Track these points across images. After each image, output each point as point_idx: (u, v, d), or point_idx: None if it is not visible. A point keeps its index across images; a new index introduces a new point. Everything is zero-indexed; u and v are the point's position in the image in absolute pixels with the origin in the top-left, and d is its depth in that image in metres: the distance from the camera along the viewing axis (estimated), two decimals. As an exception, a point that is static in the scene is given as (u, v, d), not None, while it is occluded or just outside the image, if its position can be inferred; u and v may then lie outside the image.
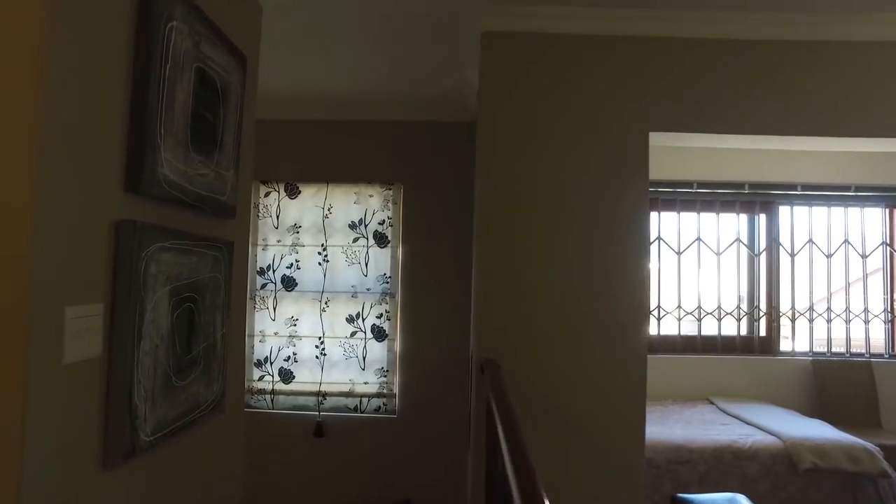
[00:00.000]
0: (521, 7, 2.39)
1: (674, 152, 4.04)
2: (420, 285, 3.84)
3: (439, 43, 2.74)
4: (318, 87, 3.50)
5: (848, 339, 4.29)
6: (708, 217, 4.32)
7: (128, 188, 1.32)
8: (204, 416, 1.70)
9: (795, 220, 4.35)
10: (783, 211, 4.36)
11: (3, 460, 1.01)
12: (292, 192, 3.95)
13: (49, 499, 1.09)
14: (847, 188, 4.29)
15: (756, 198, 4.30)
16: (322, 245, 3.91)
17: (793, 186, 4.26)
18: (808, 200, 4.32)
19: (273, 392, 3.89)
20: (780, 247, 4.33)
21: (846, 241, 4.31)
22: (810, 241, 4.31)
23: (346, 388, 3.87)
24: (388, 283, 3.88)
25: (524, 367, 2.36)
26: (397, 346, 3.86)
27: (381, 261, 3.89)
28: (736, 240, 4.31)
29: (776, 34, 2.41)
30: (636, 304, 2.39)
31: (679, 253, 4.30)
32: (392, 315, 3.88)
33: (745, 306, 4.33)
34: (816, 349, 4.30)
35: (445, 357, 3.79)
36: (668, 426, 3.29)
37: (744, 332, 4.32)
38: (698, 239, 4.31)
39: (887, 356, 4.29)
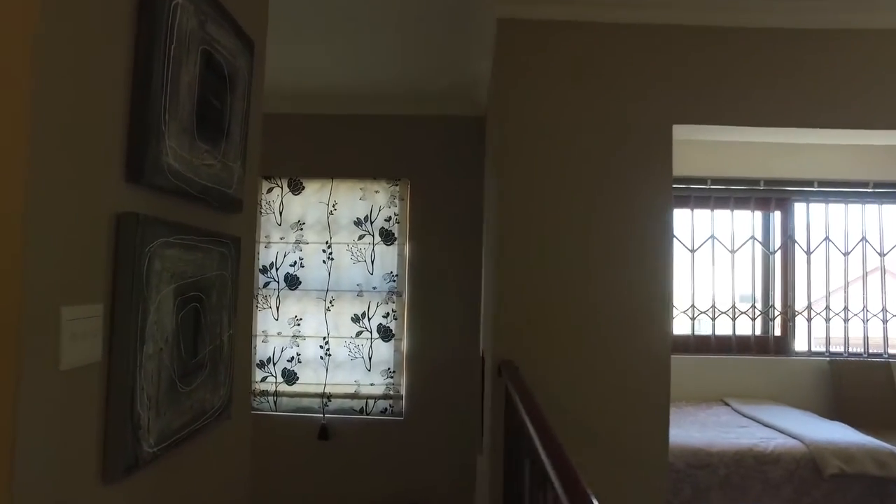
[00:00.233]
0: (539, -8, 2.29)
1: (687, 148, 3.92)
2: (428, 284, 3.74)
3: (450, 31, 2.63)
4: (323, 80, 3.40)
5: (866, 339, 4.19)
6: (722, 214, 4.22)
7: (130, 178, 1.21)
8: (210, 423, 1.59)
9: (811, 216, 4.24)
10: (799, 208, 4.25)
11: (-9, 479, 0.91)
12: (296, 188, 3.84)
13: (43, 520, 0.99)
14: (865, 184, 4.18)
15: (771, 194, 4.20)
16: (326, 242, 3.81)
17: (809, 182, 4.16)
18: (825, 197, 4.22)
19: (276, 394, 3.79)
20: (796, 244, 4.22)
21: (863, 239, 4.21)
22: (827, 238, 4.21)
23: (351, 390, 3.77)
24: (394, 281, 3.78)
25: (542, 368, 2.26)
26: (404, 346, 3.76)
27: (388, 258, 3.79)
28: (751, 237, 4.21)
29: (803, 23, 2.32)
30: (659, 302, 2.30)
31: (693, 251, 4.20)
32: (399, 314, 3.78)
33: (759, 305, 4.23)
34: (833, 349, 4.20)
35: (454, 357, 3.69)
36: (685, 428, 3.19)
37: (759, 331, 4.23)
38: (712, 237, 4.21)
39: (906, 356, 4.19)
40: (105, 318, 1.14)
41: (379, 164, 3.79)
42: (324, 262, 3.81)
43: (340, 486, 3.69)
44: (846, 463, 2.77)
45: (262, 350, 3.81)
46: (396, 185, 3.81)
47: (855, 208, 4.27)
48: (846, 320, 4.20)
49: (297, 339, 3.80)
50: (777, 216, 4.28)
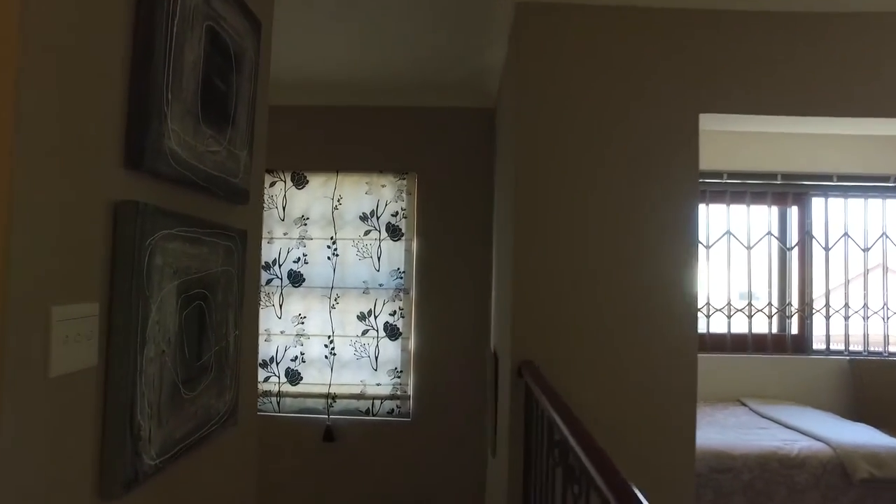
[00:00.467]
0: (560, -27, 2.17)
1: (703, 141, 3.80)
2: (436, 281, 3.63)
3: (463, 16, 2.50)
4: (328, 70, 3.27)
5: (886, 337, 4.08)
6: (738, 209, 4.10)
7: (128, 163, 1.10)
8: (215, 430, 1.48)
9: (830, 212, 4.13)
10: (816, 202, 4.14)
11: (-29, 503, 0.80)
12: (299, 182, 3.73)
13: (32, 546, 0.87)
14: (885, 178, 4.07)
15: (789, 189, 4.08)
16: (331, 238, 3.70)
17: (828, 177, 4.04)
18: (844, 191, 4.10)
19: (279, 394, 3.68)
20: (814, 240, 4.11)
21: (884, 234, 4.10)
22: (846, 234, 4.10)
23: (357, 390, 3.66)
24: (401, 278, 3.67)
25: (562, 369, 2.15)
26: (412, 345, 3.65)
27: (395, 255, 3.68)
28: (767, 233, 4.10)
29: (837, 6, 2.20)
30: (685, 300, 2.19)
31: (708, 247, 4.09)
32: (406, 312, 3.66)
33: (776, 303, 4.11)
34: (852, 347, 4.09)
35: (464, 357, 3.59)
36: (703, 430, 3.07)
37: (775, 329, 4.11)
38: (728, 232, 4.10)
39: (930, 355, 4.08)
40: (101, 318, 1.03)
41: (385, 157, 3.68)
42: (328, 258, 3.70)
43: (346, 489, 3.58)
44: (877, 468, 2.66)
45: (264, 349, 3.70)
46: (403, 178, 3.70)
47: (875, 203, 4.15)
48: (865, 318, 4.09)
49: (301, 338, 3.69)
50: (794, 211, 4.16)
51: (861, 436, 2.93)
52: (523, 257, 2.20)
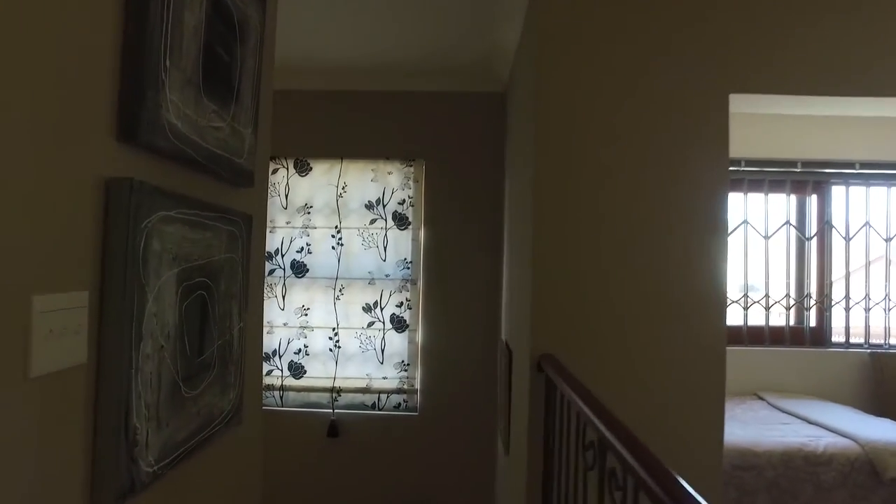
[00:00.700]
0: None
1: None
2: (444, 271, 3.51)
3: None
4: (332, 52, 3.14)
5: (906, 330, 3.97)
6: (756, 198, 3.97)
7: (122, 136, 0.98)
8: (219, 430, 1.36)
9: (851, 200, 3.99)
10: (837, 191, 4.01)
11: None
12: (302, 169, 3.60)
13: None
14: (910, 166, 3.93)
15: (808, 177, 3.95)
16: (336, 227, 3.57)
17: (850, 164, 3.91)
18: (866, 179, 3.97)
19: (282, 388, 3.57)
20: (834, 230, 3.98)
21: (907, 224, 3.98)
22: (867, 224, 3.97)
23: (362, 384, 3.55)
24: (408, 268, 3.55)
25: (584, 363, 2.03)
26: (419, 337, 3.53)
27: (401, 244, 3.56)
28: (786, 222, 3.97)
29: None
30: (714, 292, 2.07)
31: (724, 237, 3.96)
32: (413, 303, 3.55)
33: (794, 294, 3.99)
34: (873, 340, 3.97)
35: (473, 349, 3.48)
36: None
37: (793, 322, 4.00)
38: (745, 222, 3.97)
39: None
40: (91, 309, 0.91)
41: (392, 143, 3.55)
42: (333, 248, 3.58)
43: (351, 486, 3.48)
44: (908, 466, 2.56)
45: (267, 342, 3.58)
46: (411, 165, 3.57)
47: (898, 192, 4.01)
48: (887, 310, 3.97)
49: (305, 331, 3.58)
50: (814, 200, 4.04)
51: (890, 432, 2.81)
52: (543, 247, 2.08)
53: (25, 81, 0.77)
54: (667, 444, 2.02)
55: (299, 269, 3.59)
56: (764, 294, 3.96)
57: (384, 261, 3.56)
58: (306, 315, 3.58)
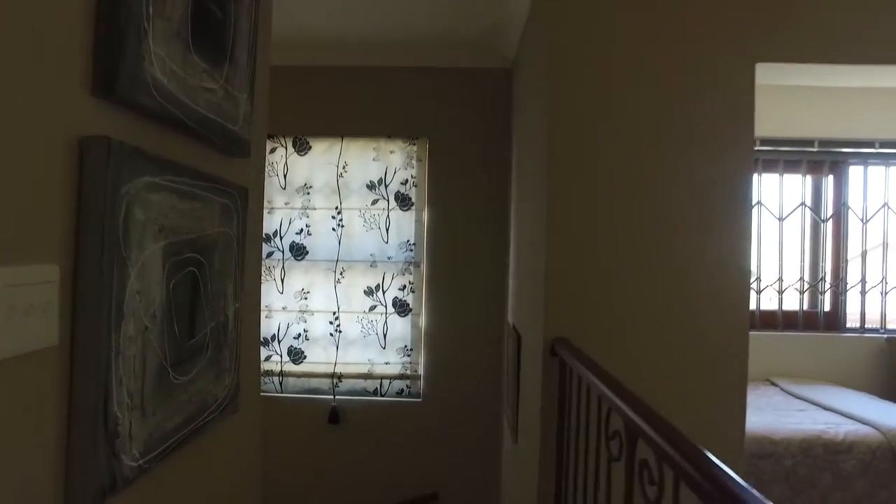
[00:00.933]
0: None
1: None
2: (448, 253, 3.40)
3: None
4: (332, 26, 3.01)
5: (924, 315, 3.87)
6: (770, 178, 3.85)
7: (98, 91, 0.86)
8: (213, 419, 1.26)
9: (869, 181, 3.86)
10: (855, 171, 3.87)
11: None
12: (301, 148, 3.48)
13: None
14: (932, 145, 3.80)
15: (825, 157, 3.82)
16: (336, 208, 3.46)
17: (869, 143, 3.77)
18: (885, 159, 3.84)
19: (282, 374, 3.47)
20: (850, 211, 3.86)
21: (927, 205, 3.86)
22: (885, 205, 3.85)
23: (364, 370, 3.45)
24: (411, 250, 3.44)
25: (598, 349, 1.92)
26: (422, 321, 3.43)
27: (404, 225, 3.44)
28: (801, 204, 3.85)
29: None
30: (737, 272, 1.97)
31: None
32: (416, 287, 3.44)
33: (808, 278, 3.88)
34: (889, 325, 3.86)
35: (478, 334, 3.39)
36: (736, 413, 2.88)
37: (807, 306, 3.89)
38: (759, 203, 3.86)
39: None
40: (64, 284, 0.80)
41: (394, 121, 3.43)
42: (333, 229, 3.46)
43: (353, 472, 3.40)
44: (931, 454, 2.47)
45: (265, 326, 3.48)
46: (414, 144, 3.45)
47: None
48: (904, 295, 3.86)
49: (305, 315, 3.48)
50: (830, 181, 3.91)
51: (911, 419, 2.72)
52: (557, 226, 1.97)
53: (2, 36, 0.65)
54: (686, 431, 1.93)
55: (298, 252, 3.48)
56: (777, 277, 3.85)
57: (386, 243, 3.45)
58: (306, 299, 3.48)
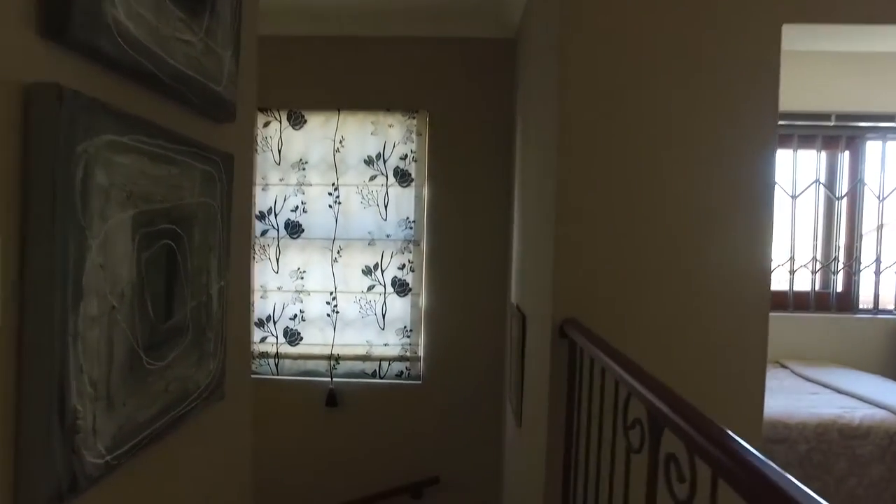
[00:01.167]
0: None
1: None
2: (449, 230, 3.29)
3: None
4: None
5: (941, 296, 3.75)
6: (784, 154, 3.71)
7: (47, 31, 0.74)
8: (196, 407, 1.15)
9: (887, 157, 3.71)
10: (872, 147, 3.73)
11: None
12: (297, 122, 3.34)
13: None
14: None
15: (842, 132, 3.67)
16: (333, 184, 3.34)
17: (889, 117, 3.61)
18: (905, 134, 3.69)
19: (277, 356, 3.37)
20: (866, 188, 3.73)
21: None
22: (903, 182, 3.72)
23: (362, 351, 3.36)
24: (411, 228, 3.32)
25: (609, 330, 1.81)
26: (422, 301, 3.33)
27: (403, 202, 3.32)
28: (815, 181, 3.72)
29: None
30: (757, 252, 1.86)
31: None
32: (416, 266, 3.33)
33: (821, 257, 3.76)
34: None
35: (480, 314, 3.29)
36: (747, 396, 2.78)
37: (818, 286, 3.78)
38: (772, 180, 3.73)
39: None
40: (9, 257, 0.68)
41: (393, 93, 3.29)
42: (330, 206, 3.34)
43: (351, 456, 3.32)
44: (952, 440, 2.38)
45: (260, 307, 3.38)
46: (413, 117, 3.31)
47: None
48: (920, 275, 3.74)
49: (301, 295, 3.37)
50: (846, 157, 3.76)
51: (928, 403, 2.63)
52: (566, 202, 1.85)
53: None
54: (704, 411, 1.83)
55: (294, 230, 3.36)
56: (789, 257, 3.73)
57: (385, 220, 3.33)
58: (302, 278, 3.37)
